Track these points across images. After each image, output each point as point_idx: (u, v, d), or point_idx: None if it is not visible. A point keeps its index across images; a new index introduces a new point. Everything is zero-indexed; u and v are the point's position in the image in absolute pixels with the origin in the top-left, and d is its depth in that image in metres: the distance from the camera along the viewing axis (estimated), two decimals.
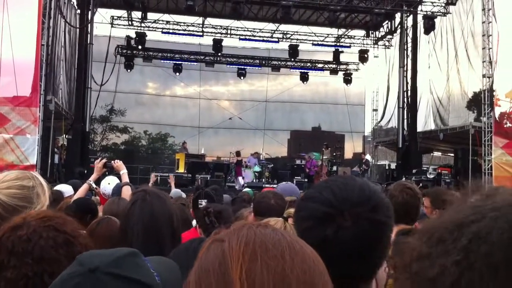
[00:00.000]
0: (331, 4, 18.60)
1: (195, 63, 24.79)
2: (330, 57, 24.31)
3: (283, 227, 1.76)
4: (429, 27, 18.78)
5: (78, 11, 19.42)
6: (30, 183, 1.90)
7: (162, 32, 22.25)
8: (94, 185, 4.82)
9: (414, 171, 17.26)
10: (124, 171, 4.54)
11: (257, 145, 23.80)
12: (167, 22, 21.96)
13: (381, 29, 22.60)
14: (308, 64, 24.98)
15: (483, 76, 16.08)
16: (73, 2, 19.52)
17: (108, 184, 5.36)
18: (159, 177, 15.25)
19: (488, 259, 0.62)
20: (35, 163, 12.53)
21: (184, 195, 6.64)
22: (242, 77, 24.62)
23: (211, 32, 22.35)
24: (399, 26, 21.57)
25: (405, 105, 20.87)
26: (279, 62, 24.83)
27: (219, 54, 22.69)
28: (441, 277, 0.64)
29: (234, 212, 3.78)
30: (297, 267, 0.69)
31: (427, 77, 21.52)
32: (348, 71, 24.87)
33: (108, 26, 21.40)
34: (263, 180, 17.78)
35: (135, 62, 23.13)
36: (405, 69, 20.99)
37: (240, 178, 17.39)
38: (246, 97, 27.74)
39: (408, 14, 20.77)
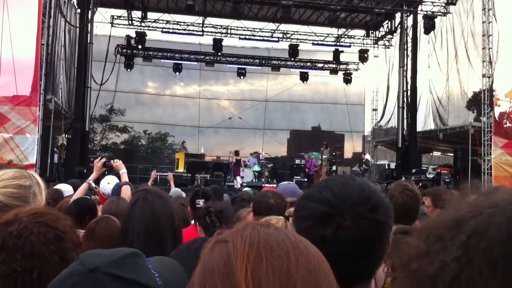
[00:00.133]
0: (331, 3, 18.58)
1: (195, 63, 24.79)
2: (330, 57, 24.28)
3: (284, 226, 1.75)
4: (429, 27, 18.78)
5: (78, 10, 19.42)
6: (27, 182, 1.89)
7: (162, 32, 22.23)
8: (93, 185, 4.83)
9: (413, 170, 17.27)
10: (123, 171, 4.52)
11: (256, 144, 23.74)
12: (167, 21, 21.94)
13: (381, 29, 22.58)
14: (308, 63, 24.95)
15: (483, 76, 16.07)
16: (73, 2, 19.48)
17: (108, 183, 5.35)
18: (158, 177, 15.22)
19: (487, 254, 0.62)
20: (35, 163, 12.53)
21: (184, 194, 6.62)
22: (242, 77, 24.59)
23: (211, 32, 22.33)
24: (399, 26, 21.57)
25: (405, 105, 20.88)
26: (279, 62, 24.78)
27: (219, 53, 22.63)
28: (441, 273, 0.64)
29: (234, 211, 3.78)
30: (302, 267, 0.69)
31: (427, 77, 21.52)
32: (348, 71, 24.82)
33: (108, 26, 21.42)
34: (263, 179, 17.77)
35: (135, 61, 23.08)
36: (405, 69, 20.99)
37: (238, 178, 17.37)
38: (246, 96, 27.71)
39: (408, 14, 20.76)
